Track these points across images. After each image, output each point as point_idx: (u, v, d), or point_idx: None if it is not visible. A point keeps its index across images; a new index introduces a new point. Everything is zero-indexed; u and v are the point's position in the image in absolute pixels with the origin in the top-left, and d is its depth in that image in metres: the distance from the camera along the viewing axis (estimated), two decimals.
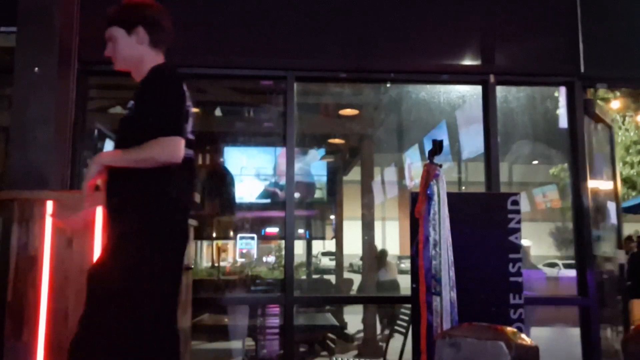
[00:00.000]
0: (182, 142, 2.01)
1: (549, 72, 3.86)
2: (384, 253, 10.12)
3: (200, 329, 5.42)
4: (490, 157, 3.67)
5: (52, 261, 2.59)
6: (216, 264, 13.85)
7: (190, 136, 2.20)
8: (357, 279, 10.81)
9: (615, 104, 11.56)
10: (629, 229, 11.74)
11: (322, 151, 9.18)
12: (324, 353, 6.01)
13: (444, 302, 2.58)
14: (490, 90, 3.73)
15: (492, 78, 3.75)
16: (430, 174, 2.71)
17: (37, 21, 3.28)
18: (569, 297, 3.93)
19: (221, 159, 8.85)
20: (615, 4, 3.99)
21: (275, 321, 5.43)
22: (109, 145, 6.78)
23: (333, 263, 13.40)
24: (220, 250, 15.37)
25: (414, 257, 2.71)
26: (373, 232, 8.83)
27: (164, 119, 2.02)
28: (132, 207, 2.03)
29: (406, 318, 4.49)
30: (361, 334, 7.83)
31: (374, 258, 9.94)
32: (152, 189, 2.05)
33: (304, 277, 12.54)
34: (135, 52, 2.21)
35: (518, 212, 2.99)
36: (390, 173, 9.44)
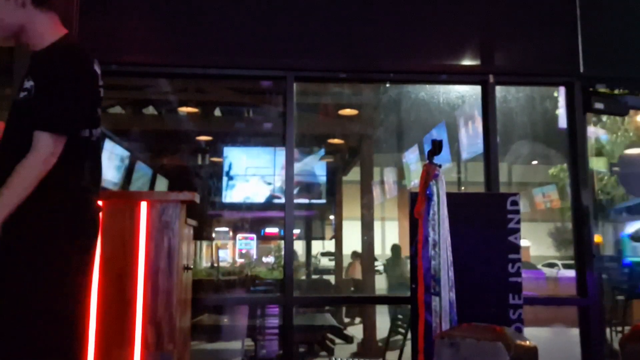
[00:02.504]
0: (60, 141, 1.80)
1: (549, 72, 3.86)
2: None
3: (199, 329, 5.42)
4: (490, 157, 3.67)
5: None
6: (215, 264, 13.86)
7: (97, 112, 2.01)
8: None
9: None
10: (629, 229, 11.71)
11: (322, 151, 9.18)
12: (324, 353, 6.01)
13: (443, 303, 2.58)
14: (490, 90, 3.73)
15: (491, 78, 3.74)
16: (429, 174, 2.71)
17: None
18: (569, 297, 3.93)
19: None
20: (614, 3, 3.98)
21: (274, 321, 5.43)
22: (108, 146, 6.79)
23: (332, 263, 13.43)
24: (218, 248, 15.41)
25: (413, 257, 2.71)
26: (372, 233, 8.83)
27: (56, 114, 1.81)
28: (32, 203, 1.76)
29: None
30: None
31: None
32: (54, 180, 1.80)
33: (303, 277, 12.56)
34: (18, 18, 1.91)
35: (517, 212, 2.98)
36: (390, 173, 9.45)
